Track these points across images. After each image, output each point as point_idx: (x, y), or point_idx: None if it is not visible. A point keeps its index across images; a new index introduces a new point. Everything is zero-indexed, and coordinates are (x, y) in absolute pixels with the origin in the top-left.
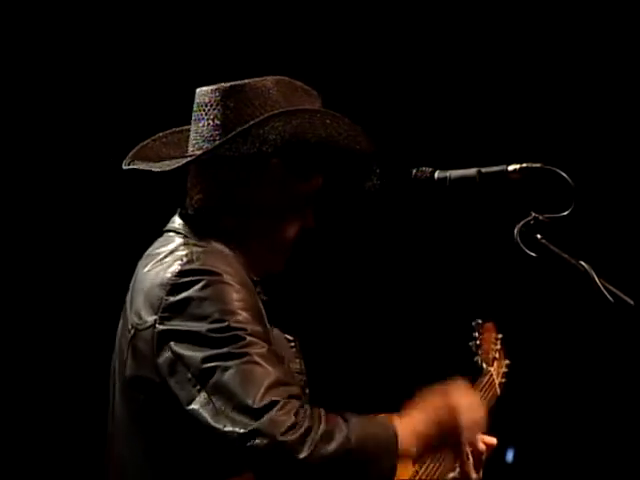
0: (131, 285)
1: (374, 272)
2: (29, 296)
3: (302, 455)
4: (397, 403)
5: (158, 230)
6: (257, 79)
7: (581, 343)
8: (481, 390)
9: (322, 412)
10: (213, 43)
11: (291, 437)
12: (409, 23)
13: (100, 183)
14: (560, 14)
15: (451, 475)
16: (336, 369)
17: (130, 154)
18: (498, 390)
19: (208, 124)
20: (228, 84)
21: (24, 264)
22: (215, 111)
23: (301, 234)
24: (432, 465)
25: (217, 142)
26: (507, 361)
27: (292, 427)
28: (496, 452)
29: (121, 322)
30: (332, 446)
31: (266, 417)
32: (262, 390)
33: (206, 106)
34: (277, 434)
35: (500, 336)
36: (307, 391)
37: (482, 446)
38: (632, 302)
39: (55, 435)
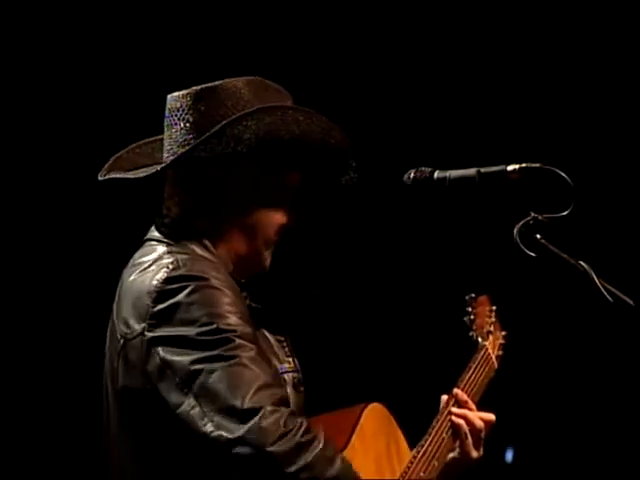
0: (117, 294)
1: (373, 271)
2: (17, 302)
3: (291, 469)
4: (395, 391)
5: (140, 238)
6: (228, 80)
7: (581, 344)
8: (476, 366)
9: (321, 434)
10: (189, 48)
11: (281, 448)
12: (408, 23)
13: (82, 192)
14: (560, 14)
15: (451, 455)
16: (331, 364)
17: (105, 166)
18: (495, 363)
19: (181, 129)
20: (198, 87)
21: (8, 271)
22: (187, 115)
23: (284, 233)
24: (431, 447)
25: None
26: (504, 332)
27: (282, 437)
28: (496, 452)
29: (109, 331)
30: (331, 472)
31: (253, 423)
32: (250, 392)
33: (178, 111)
34: (266, 443)
35: (494, 308)
36: (302, 389)
37: (480, 423)
38: (632, 303)
39: (55, 437)
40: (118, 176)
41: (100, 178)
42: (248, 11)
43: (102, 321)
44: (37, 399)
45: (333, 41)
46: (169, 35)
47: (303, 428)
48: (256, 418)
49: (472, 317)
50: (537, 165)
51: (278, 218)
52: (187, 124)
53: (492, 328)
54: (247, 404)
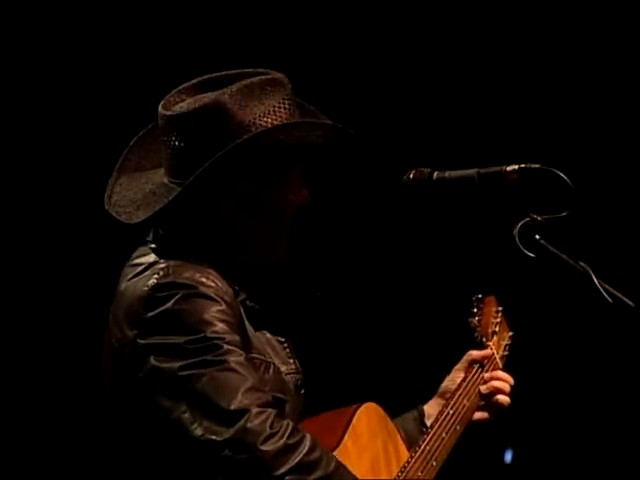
0: (116, 295)
1: (372, 273)
2: (22, 299)
3: (278, 472)
4: (397, 394)
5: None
6: (215, 96)
7: (580, 344)
8: (479, 366)
9: (307, 436)
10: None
11: (269, 448)
12: (408, 22)
13: (85, 191)
14: (560, 14)
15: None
16: (333, 366)
17: (116, 168)
18: (500, 364)
19: (168, 151)
20: (183, 110)
21: (11, 271)
22: (173, 139)
23: (297, 222)
24: (429, 446)
25: (171, 192)
26: (510, 333)
27: (269, 438)
28: (495, 452)
29: (106, 333)
30: (316, 475)
31: (239, 425)
32: (238, 395)
33: (163, 131)
34: (253, 445)
35: (501, 309)
36: (302, 391)
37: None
38: (632, 304)
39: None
40: (122, 218)
41: (106, 205)
42: (251, 7)
43: (103, 320)
44: (42, 400)
45: (334, 41)
46: (167, 31)
47: (289, 430)
48: (242, 420)
49: (477, 318)
50: (537, 166)
51: (283, 218)
52: (173, 148)
53: (497, 329)
54: (233, 406)
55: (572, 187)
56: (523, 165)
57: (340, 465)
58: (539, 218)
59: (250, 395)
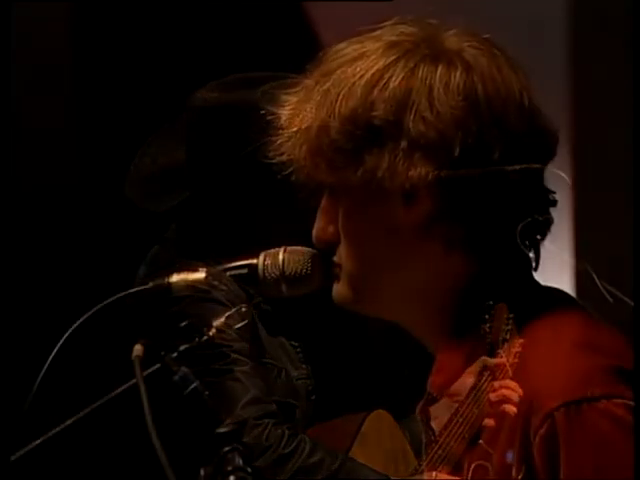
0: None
1: None
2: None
3: None
4: (408, 400)
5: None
6: (246, 91)
7: None
8: (489, 374)
9: (306, 440)
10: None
11: (263, 463)
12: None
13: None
14: (558, 14)
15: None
16: (344, 371)
17: (134, 163)
18: (510, 372)
19: (193, 144)
20: (210, 105)
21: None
22: (199, 132)
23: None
24: (437, 453)
25: (194, 185)
26: (521, 340)
27: (264, 452)
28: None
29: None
30: (319, 477)
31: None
32: (237, 408)
33: (190, 125)
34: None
35: (512, 316)
36: (313, 397)
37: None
38: (632, 303)
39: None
40: (137, 204)
41: (128, 195)
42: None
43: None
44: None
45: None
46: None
47: (285, 439)
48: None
49: (488, 324)
50: (537, 166)
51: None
52: (201, 139)
53: (508, 336)
54: (230, 420)
55: (572, 187)
56: (524, 165)
57: (348, 460)
58: (540, 218)
59: (249, 408)
